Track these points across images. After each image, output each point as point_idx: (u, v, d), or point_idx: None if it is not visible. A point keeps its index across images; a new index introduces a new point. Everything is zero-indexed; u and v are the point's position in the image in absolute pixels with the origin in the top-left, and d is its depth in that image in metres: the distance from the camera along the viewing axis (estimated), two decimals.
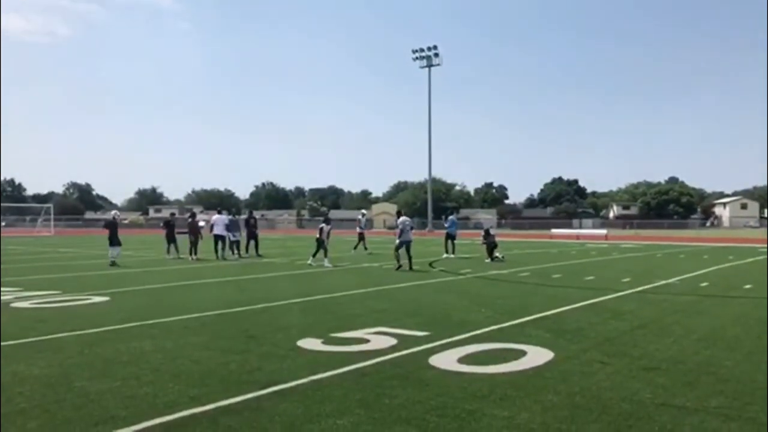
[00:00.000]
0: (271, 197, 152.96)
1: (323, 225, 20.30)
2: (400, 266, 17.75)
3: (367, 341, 7.62)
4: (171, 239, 23.35)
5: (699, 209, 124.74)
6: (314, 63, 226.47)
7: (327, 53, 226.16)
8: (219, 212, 24.75)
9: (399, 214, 19.94)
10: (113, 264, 19.91)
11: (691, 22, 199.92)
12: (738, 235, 55.87)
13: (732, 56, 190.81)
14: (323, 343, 7.53)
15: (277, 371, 6.16)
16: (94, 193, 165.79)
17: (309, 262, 19.87)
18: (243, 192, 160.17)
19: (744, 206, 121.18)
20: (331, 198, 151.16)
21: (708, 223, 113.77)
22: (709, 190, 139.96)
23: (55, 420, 4.71)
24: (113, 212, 24.83)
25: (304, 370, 6.16)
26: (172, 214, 25.76)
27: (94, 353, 7.01)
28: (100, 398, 5.25)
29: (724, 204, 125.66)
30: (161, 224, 22.78)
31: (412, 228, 18.96)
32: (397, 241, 18.32)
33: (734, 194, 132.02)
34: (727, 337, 8.06)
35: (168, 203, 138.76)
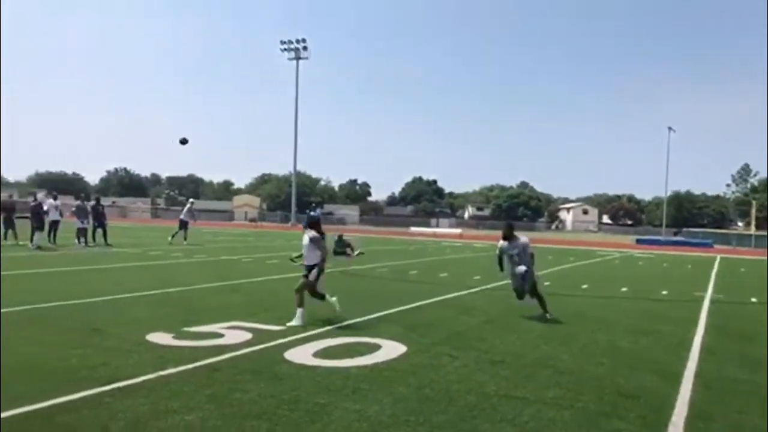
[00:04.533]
0: (124, 184, 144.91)
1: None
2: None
3: (221, 336, 7.43)
4: (9, 224, 21.62)
5: (546, 213, 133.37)
6: (175, 46, 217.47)
7: (190, 36, 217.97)
8: (55, 197, 23.53)
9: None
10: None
11: (552, 33, 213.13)
12: (579, 238, 60.40)
13: (579, 72, 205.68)
14: (174, 337, 7.25)
15: (123, 366, 5.86)
16: None
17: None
18: (93, 177, 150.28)
19: (585, 212, 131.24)
20: (191, 187, 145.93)
21: (553, 226, 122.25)
22: (555, 195, 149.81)
23: None
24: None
25: (152, 365, 5.91)
26: (10, 196, 23.85)
27: None
28: None
29: (568, 209, 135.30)
30: None
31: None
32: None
33: (577, 200, 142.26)
34: (564, 332, 8.68)
35: (7, 185, 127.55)
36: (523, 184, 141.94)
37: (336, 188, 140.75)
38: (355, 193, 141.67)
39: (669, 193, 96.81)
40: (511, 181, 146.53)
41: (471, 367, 6.41)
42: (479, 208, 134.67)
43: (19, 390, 5.00)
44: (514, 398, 5.37)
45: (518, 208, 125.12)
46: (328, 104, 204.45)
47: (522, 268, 9.71)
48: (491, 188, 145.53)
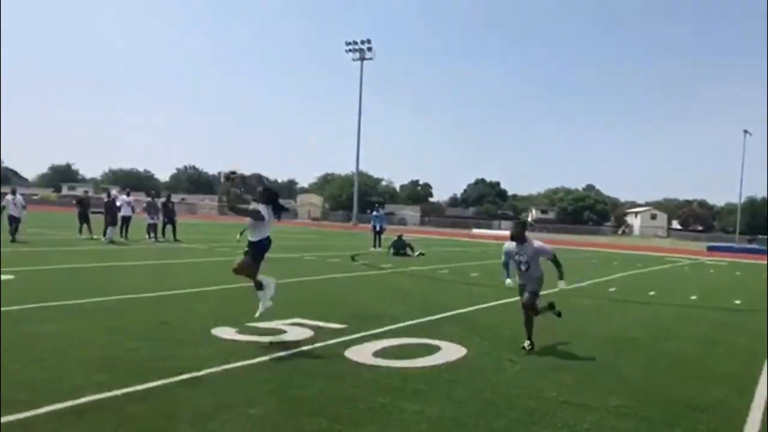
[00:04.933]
0: (193, 181, 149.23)
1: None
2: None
3: (283, 332, 7.58)
4: (84, 218, 22.58)
5: (612, 217, 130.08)
6: (242, 47, 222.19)
7: (256, 38, 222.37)
8: (128, 193, 24.43)
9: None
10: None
11: (618, 35, 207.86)
12: (647, 244, 58.73)
13: (649, 72, 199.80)
14: (238, 332, 7.43)
15: (189, 359, 6.04)
16: (2, 165, 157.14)
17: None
18: (163, 174, 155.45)
19: (654, 216, 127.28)
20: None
21: (620, 231, 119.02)
22: (622, 199, 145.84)
23: None
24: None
25: (217, 358, 6.07)
26: (86, 192, 24.94)
27: None
28: None
29: (636, 213, 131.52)
30: (73, 202, 22.03)
31: None
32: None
33: (645, 205, 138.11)
34: (629, 339, 8.47)
35: (83, 181, 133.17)
36: (589, 187, 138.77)
37: (397, 189, 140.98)
38: (417, 193, 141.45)
39: (743, 199, 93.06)
40: (577, 183, 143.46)
41: (531, 372, 6.32)
42: (543, 211, 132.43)
43: (98, 378, 5.22)
44: (575, 405, 5.27)
45: (584, 212, 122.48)
46: (391, 104, 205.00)
47: (509, 281, 8.01)
48: (556, 191, 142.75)
